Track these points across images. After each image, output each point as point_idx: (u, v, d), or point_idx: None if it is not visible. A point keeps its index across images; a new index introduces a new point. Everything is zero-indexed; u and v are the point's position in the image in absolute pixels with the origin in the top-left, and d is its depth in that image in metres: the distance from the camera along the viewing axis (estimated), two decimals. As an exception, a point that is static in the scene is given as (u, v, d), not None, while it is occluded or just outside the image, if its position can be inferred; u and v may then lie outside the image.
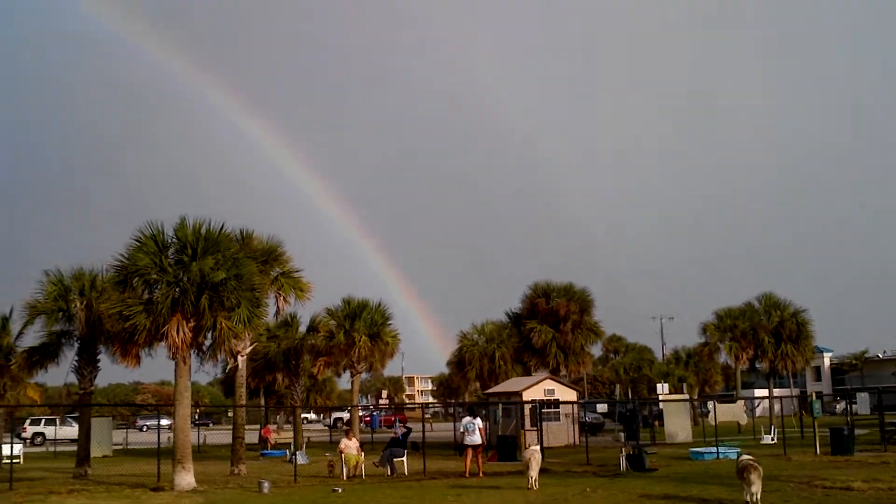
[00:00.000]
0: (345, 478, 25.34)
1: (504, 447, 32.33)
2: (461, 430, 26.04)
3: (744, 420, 48.71)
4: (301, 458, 30.47)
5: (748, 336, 49.88)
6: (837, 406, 71.28)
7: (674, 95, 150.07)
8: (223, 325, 23.10)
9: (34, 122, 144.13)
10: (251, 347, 30.80)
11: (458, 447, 28.97)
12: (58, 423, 59.00)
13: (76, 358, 29.30)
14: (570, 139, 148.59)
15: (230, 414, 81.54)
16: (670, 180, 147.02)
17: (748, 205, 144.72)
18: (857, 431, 32.33)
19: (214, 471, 28.29)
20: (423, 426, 32.00)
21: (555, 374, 44.06)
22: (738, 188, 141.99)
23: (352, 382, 41.28)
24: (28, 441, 54.19)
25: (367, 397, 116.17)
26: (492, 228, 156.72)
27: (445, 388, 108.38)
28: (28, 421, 58.22)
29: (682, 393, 55.23)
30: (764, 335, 48.99)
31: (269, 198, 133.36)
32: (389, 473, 26.39)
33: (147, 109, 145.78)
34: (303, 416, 61.99)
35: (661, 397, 48.05)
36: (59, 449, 47.60)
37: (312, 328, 40.10)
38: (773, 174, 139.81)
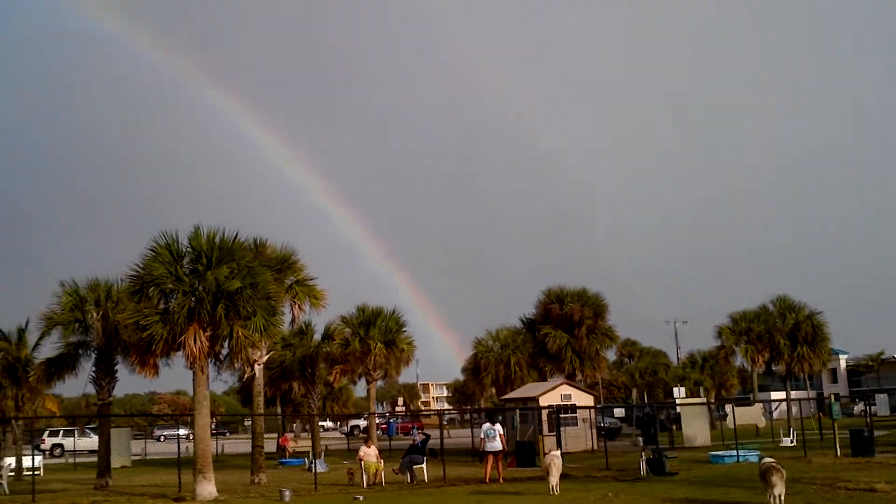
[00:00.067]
0: (365, 485, 25.37)
1: (522, 453, 32.26)
2: (481, 436, 25.97)
3: (762, 423, 48.52)
4: (320, 467, 30.50)
5: (764, 339, 49.93)
6: (855, 408, 70.98)
7: (674, 95, 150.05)
8: (240, 333, 23.15)
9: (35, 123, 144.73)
10: (267, 356, 30.86)
11: (478, 454, 28.94)
12: (76, 434, 59.17)
13: (94, 369, 29.45)
14: (570, 139, 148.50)
15: (246, 423, 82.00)
16: (670, 180, 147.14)
17: (748, 205, 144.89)
18: (876, 433, 32.14)
19: (234, 480, 28.32)
20: (441, 433, 31.95)
21: (570, 379, 43.97)
22: (738, 188, 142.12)
23: (368, 390, 41.27)
24: (47, 452, 54.30)
25: (382, 404, 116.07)
26: (492, 229, 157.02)
27: (461, 394, 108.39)
28: (46, 432, 58.37)
29: (699, 396, 55.04)
30: (779, 338, 49.02)
31: (269, 197, 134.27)
32: (409, 480, 26.38)
33: (147, 109, 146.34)
34: (320, 424, 62.04)
35: (678, 401, 47.85)
36: (79, 460, 47.72)
37: (327, 336, 40.10)
38: (774, 174, 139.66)
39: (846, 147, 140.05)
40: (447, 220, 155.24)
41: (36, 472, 27.53)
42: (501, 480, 24.96)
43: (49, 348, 30.19)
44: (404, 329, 39.51)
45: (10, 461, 34.64)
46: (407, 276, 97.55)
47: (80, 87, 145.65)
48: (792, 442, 37.17)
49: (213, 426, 64.93)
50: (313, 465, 29.27)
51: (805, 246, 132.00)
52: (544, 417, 36.19)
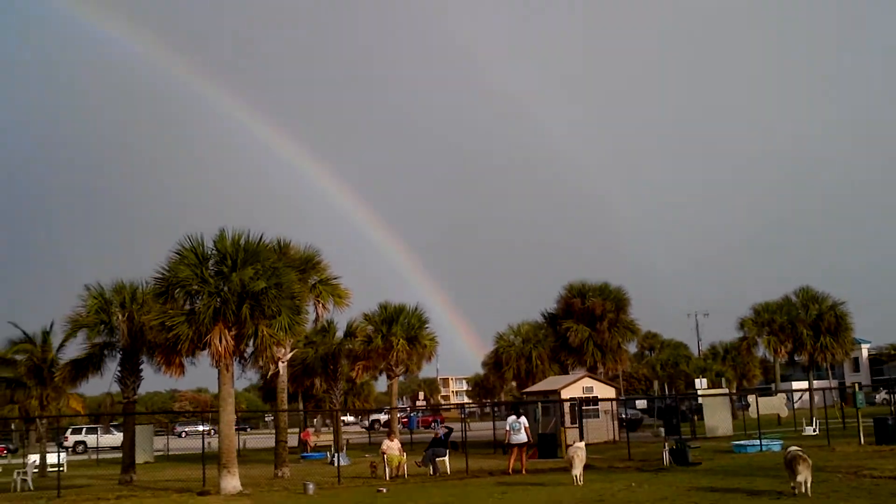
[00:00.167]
0: (388, 478, 25.51)
1: (545, 445, 32.35)
2: (507, 428, 26.07)
3: (784, 413, 48.42)
4: (343, 460, 30.68)
5: (786, 330, 49.82)
6: (877, 396, 70.67)
7: (674, 93, 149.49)
8: (264, 332, 23.39)
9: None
10: (291, 354, 31.07)
11: (502, 445, 29.03)
12: (99, 431, 59.72)
13: (119, 368, 29.80)
14: (591, 135, 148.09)
15: (267, 419, 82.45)
16: (692, 173, 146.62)
17: (768, 196, 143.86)
18: (900, 421, 31.95)
19: (258, 474, 28.54)
20: (463, 426, 32.06)
21: (592, 372, 44.03)
22: (760, 180, 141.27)
23: (390, 385, 41.49)
24: (70, 450, 54.84)
25: (403, 399, 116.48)
26: (512, 225, 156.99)
27: (481, 388, 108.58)
28: (69, 430, 58.92)
29: (721, 387, 54.91)
30: (802, 328, 48.88)
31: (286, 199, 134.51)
32: (432, 473, 26.51)
33: (172, 114, 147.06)
34: (341, 418, 62.33)
35: (699, 392, 47.80)
36: (101, 457, 48.17)
37: (350, 333, 40.24)
38: (794, 165, 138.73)
39: (868, 131, 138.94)
40: (469, 217, 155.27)
41: (60, 469, 27.83)
42: (524, 472, 25.07)
43: (74, 349, 30.61)
44: (426, 325, 39.77)
45: (35, 458, 35.07)
46: (427, 272, 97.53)
47: (110, 95, 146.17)
48: (815, 431, 37.10)
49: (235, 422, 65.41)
50: (336, 459, 29.43)
51: (826, 237, 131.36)
52: (566, 409, 36.27)
